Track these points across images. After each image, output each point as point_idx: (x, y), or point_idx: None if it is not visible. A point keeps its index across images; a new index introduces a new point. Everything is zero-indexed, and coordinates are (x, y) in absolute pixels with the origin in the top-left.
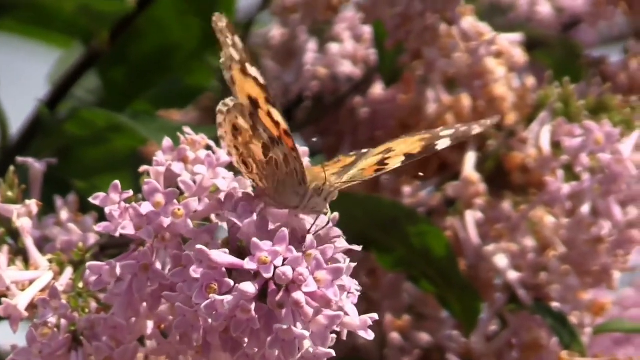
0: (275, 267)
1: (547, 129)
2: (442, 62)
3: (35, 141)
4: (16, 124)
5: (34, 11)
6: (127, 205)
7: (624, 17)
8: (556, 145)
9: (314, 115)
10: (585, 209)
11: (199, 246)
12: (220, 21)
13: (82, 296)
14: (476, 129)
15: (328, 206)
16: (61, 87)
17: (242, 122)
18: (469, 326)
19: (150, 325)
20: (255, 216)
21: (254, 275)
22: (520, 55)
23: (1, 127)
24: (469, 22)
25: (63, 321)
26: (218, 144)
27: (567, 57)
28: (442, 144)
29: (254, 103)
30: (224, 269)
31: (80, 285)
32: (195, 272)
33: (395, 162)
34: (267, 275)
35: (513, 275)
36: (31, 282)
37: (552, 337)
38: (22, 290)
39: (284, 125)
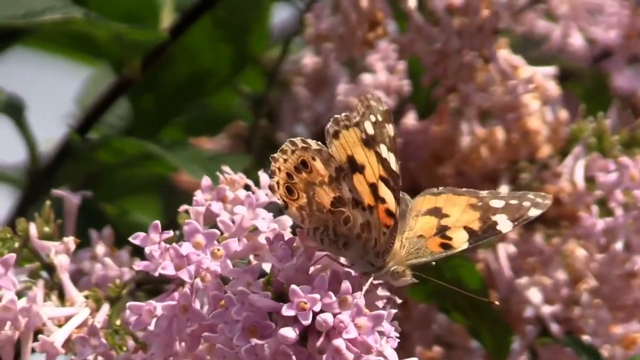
0: (315, 314)
1: (581, 164)
2: (477, 96)
3: (65, 166)
4: (42, 139)
5: (66, 38)
6: (168, 245)
7: None
8: (589, 179)
9: None
10: (619, 244)
11: (240, 288)
12: (374, 101)
13: (119, 333)
14: (533, 211)
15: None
16: (91, 114)
17: (319, 165)
18: (500, 358)
19: None
20: (295, 259)
21: (294, 319)
22: (554, 89)
23: (30, 150)
24: (503, 55)
25: (101, 359)
26: (256, 182)
27: (597, 88)
28: (503, 227)
29: (354, 166)
30: (265, 312)
31: (117, 322)
32: (237, 314)
33: (459, 238)
34: (306, 322)
35: (545, 309)
36: (67, 318)
37: None
38: (58, 326)
39: (392, 207)
